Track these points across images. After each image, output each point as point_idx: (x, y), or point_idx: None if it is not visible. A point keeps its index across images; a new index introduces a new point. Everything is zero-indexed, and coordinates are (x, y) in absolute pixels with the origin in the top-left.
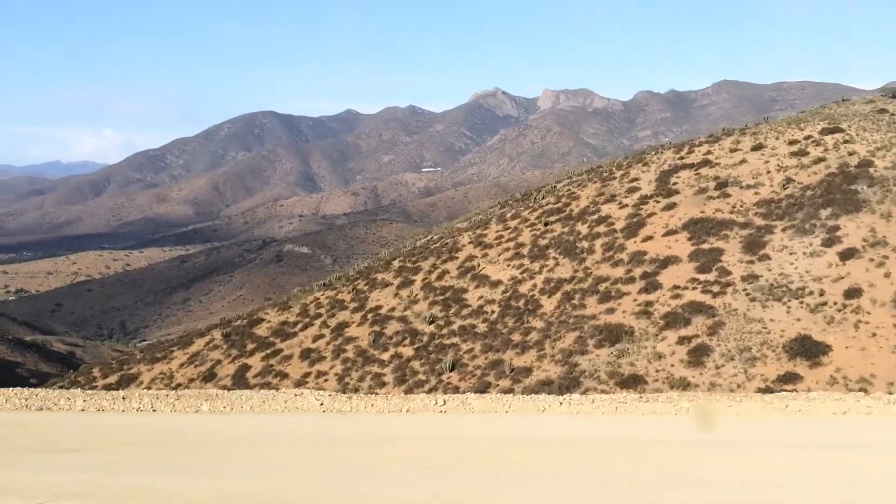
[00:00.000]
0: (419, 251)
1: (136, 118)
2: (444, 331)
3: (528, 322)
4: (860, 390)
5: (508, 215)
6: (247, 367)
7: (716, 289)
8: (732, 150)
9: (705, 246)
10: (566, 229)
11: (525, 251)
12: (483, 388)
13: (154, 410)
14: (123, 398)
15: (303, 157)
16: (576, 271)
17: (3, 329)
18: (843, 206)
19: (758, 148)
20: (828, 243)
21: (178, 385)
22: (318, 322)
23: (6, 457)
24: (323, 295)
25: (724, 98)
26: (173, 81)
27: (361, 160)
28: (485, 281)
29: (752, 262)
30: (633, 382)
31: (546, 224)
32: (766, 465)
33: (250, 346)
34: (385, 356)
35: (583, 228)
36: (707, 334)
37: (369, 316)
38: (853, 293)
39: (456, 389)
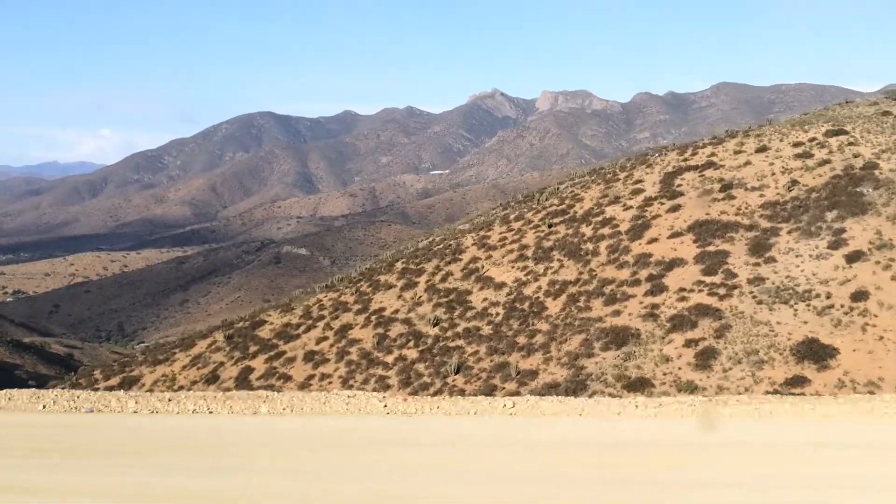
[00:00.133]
0: (422, 253)
1: (133, 119)
2: (449, 333)
3: (533, 324)
4: (868, 393)
5: (512, 217)
6: (250, 370)
7: (722, 291)
8: (737, 152)
9: (711, 248)
10: (570, 231)
11: (529, 253)
12: (489, 391)
13: (210, 412)
14: (171, 399)
15: (301, 158)
16: (581, 273)
17: (1, 331)
18: (849, 209)
19: (762, 150)
20: (834, 246)
21: (181, 387)
22: (321, 324)
23: (75, 459)
24: (325, 297)
25: (722, 100)
26: (171, 82)
27: (359, 161)
28: (489, 283)
29: (758, 264)
30: (640, 385)
31: (550, 226)
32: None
33: (253, 349)
34: (389, 358)
35: (587, 230)
36: (714, 337)
37: (373, 318)
38: (860, 296)
39: (462, 392)
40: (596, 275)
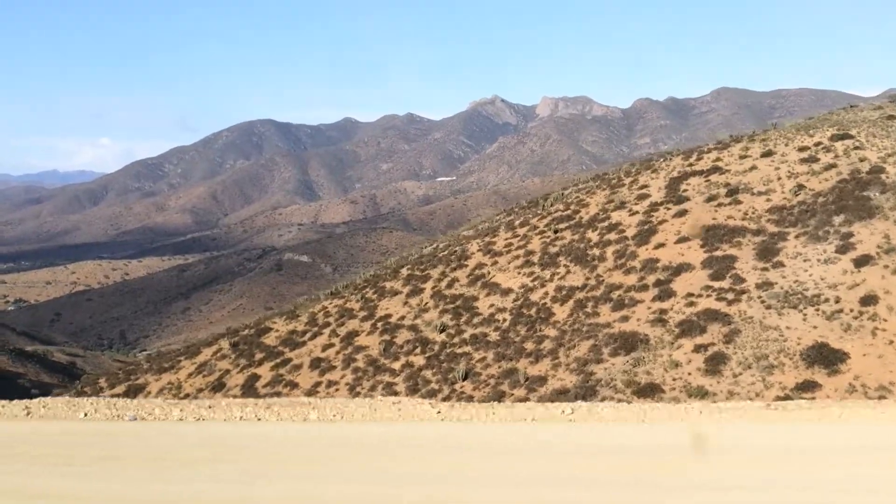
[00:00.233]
0: (427, 259)
1: (133, 127)
2: (456, 339)
3: (540, 330)
4: (879, 398)
5: (517, 223)
6: (256, 377)
7: (730, 296)
8: (742, 157)
9: (718, 253)
10: (576, 237)
11: (535, 259)
12: (497, 398)
13: (259, 419)
14: (216, 407)
15: (301, 166)
16: (588, 279)
17: (3, 339)
18: (856, 213)
19: (767, 154)
20: (842, 250)
21: (187, 395)
22: (326, 331)
23: (130, 466)
24: (331, 303)
25: (723, 105)
26: (171, 90)
27: (360, 168)
28: (495, 289)
29: (766, 269)
30: (650, 391)
31: (556, 231)
32: None
33: (259, 356)
34: (396, 365)
35: (593, 236)
36: (723, 342)
37: (379, 325)
38: (869, 300)
39: (470, 399)
40: (603, 280)
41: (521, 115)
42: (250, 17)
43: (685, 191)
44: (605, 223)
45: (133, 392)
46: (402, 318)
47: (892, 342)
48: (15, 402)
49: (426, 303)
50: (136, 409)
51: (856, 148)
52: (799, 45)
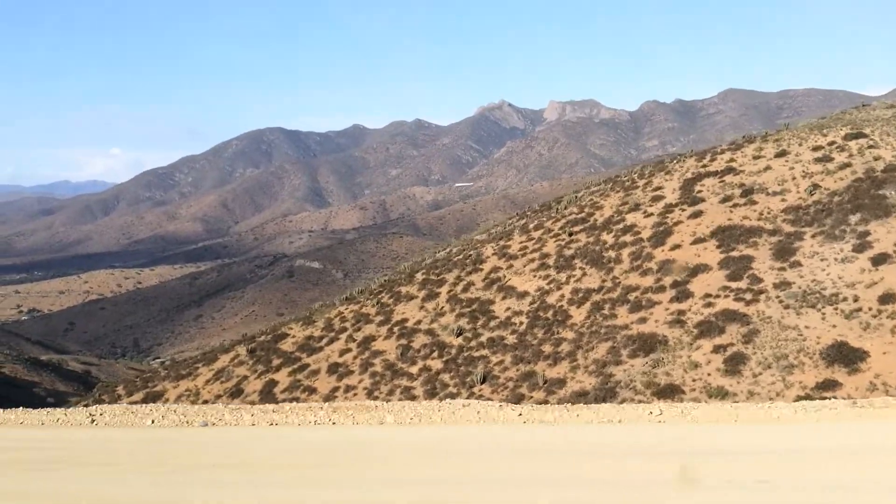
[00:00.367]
0: (442, 263)
1: (143, 137)
2: (473, 343)
3: (557, 333)
4: None
5: (531, 226)
6: (274, 383)
7: (748, 296)
8: (756, 157)
9: (735, 253)
10: (591, 239)
11: (551, 262)
12: (516, 400)
13: (333, 423)
14: (289, 411)
15: (311, 173)
16: (604, 281)
17: (18, 349)
18: (872, 212)
19: (781, 154)
20: (859, 249)
21: (205, 402)
22: (343, 336)
23: (270, 475)
24: (347, 309)
25: (730, 107)
26: (180, 100)
27: (369, 174)
28: (511, 292)
29: (783, 268)
30: (670, 392)
31: (570, 234)
32: None
33: (276, 362)
34: (414, 369)
35: (608, 238)
36: (742, 342)
37: (395, 329)
38: (887, 298)
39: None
40: (619, 282)
41: (528, 120)
42: (258, 28)
43: (700, 192)
44: (620, 225)
45: (151, 399)
46: (419, 322)
47: None
48: (77, 409)
49: (442, 307)
50: (203, 415)
51: (870, 147)
52: (805, 45)
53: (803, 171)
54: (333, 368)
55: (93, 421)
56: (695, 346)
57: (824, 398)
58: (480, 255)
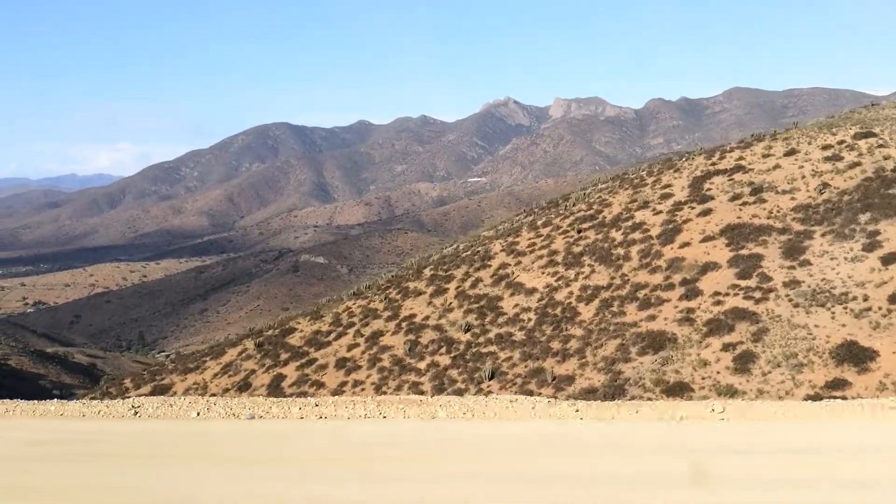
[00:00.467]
0: (450, 259)
1: (149, 131)
2: (481, 339)
3: (566, 330)
4: None
5: (539, 223)
6: (282, 377)
7: (758, 295)
8: (765, 156)
9: (744, 252)
10: (600, 236)
11: (559, 258)
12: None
13: (384, 417)
14: (338, 404)
15: (316, 168)
16: (613, 278)
17: (24, 341)
18: (883, 211)
19: (791, 153)
20: (869, 248)
21: (214, 395)
22: (351, 331)
23: (348, 471)
24: (354, 304)
25: (735, 105)
26: (186, 95)
27: (374, 170)
28: (520, 289)
29: (792, 267)
30: (679, 390)
31: (579, 231)
32: None
33: (284, 356)
34: (422, 365)
35: (617, 235)
36: (752, 341)
37: (403, 324)
38: None
39: None
40: (628, 279)
41: (533, 117)
42: (265, 22)
43: (709, 190)
44: (629, 223)
45: (159, 392)
46: (427, 317)
47: None
48: (119, 401)
49: (450, 303)
50: (249, 407)
51: (880, 146)
52: (811, 44)
53: (813, 170)
54: (341, 363)
55: (136, 413)
56: (704, 343)
57: (834, 397)
58: (488, 252)
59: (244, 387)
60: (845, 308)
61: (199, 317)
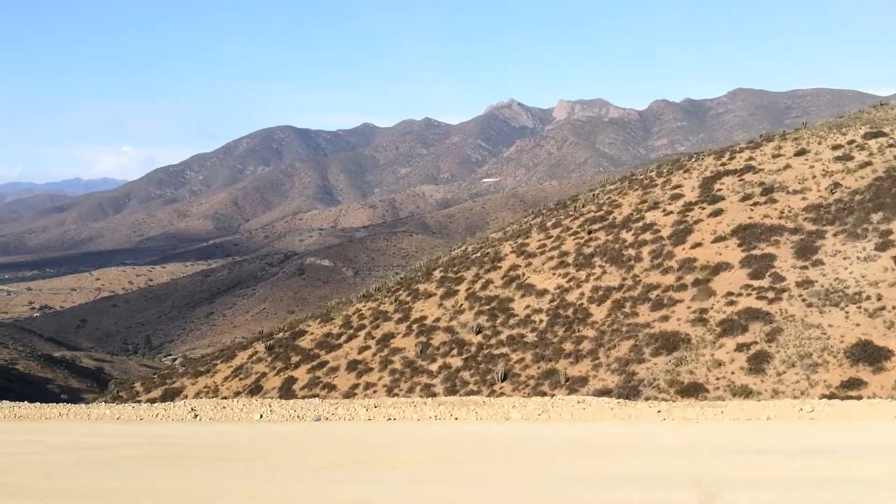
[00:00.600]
0: (459, 261)
1: (154, 135)
2: (493, 340)
3: (578, 331)
4: None
5: (549, 224)
6: (293, 380)
7: (771, 295)
8: (775, 156)
9: (756, 252)
10: (611, 237)
11: (570, 259)
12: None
13: (455, 419)
14: (406, 406)
15: (321, 171)
16: (624, 279)
17: (31, 345)
18: (894, 210)
19: (801, 153)
20: (881, 247)
21: (225, 398)
22: (362, 333)
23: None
24: (364, 306)
25: (739, 106)
26: (191, 98)
27: (379, 173)
28: (531, 290)
29: (805, 267)
30: (693, 391)
31: (589, 232)
32: None
33: (295, 359)
34: (433, 367)
35: (628, 236)
36: (766, 341)
37: (414, 327)
38: None
39: None
40: (640, 280)
41: (537, 119)
42: (269, 27)
43: (719, 190)
44: (640, 223)
45: (170, 396)
46: (438, 319)
47: None
48: (178, 403)
49: (461, 304)
50: (314, 409)
51: (890, 145)
52: (814, 44)
53: (823, 170)
54: (353, 366)
55: (196, 416)
56: (718, 344)
57: (849, 398)
58: (498, 253)
59: (255, 390)
60: (859, 307)
61: (206, 320)
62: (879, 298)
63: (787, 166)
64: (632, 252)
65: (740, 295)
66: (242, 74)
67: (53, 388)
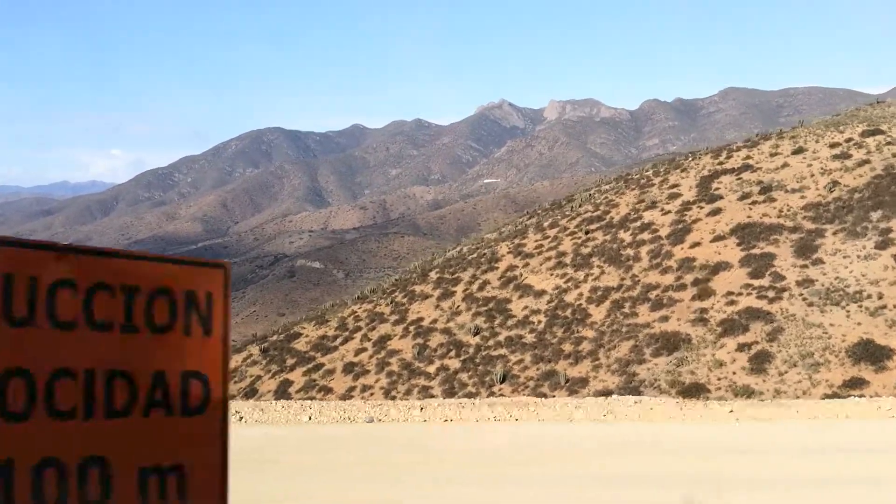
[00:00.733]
0: (455, 262)
1: (143, 137)
2: (491, 342)
3: (577, 331)
4: None
5: (546, 224)
6: (289, 382)
7: (771, 294)
8: (772, 155)
9: (756, 251)
10: (608, 237)
11: (568, 260)
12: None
13: (516, 420)
14: (463, 406)
15: (310, 173)
16: (623, 279)
17: None
18: (894, 209)
19: (798, 151)
20: (881, 246)
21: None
22: (358, 335)
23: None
24: (360, 308)
25: (730, 105)
26: (179, 100)
27: (369, 174)
28: (528, 291)
29: (805, 266)
30: (695, 391)
31: (587, 232)
32: None
33: (290, 361)
34: (431, 369)
35: (626, 236)
36: (767, 340)
37: (411, 328)
38: None
39: None
40: (639, 280)
41: (528, 119)
42: (258, 28)
43: (717, 189)
44: (638, 223)
45: None
46: (435, 321)
47: None
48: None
49: (458, 306)
50: (367, 410)
51: (888, 143)
52: (806, 43)
53: (822, 168)
54: (349, 368)
55: (241, 418)
56: (718, 344)
57: (853, 396)
58: (495, 254)
59: (250, 393)
60: (860, 306)
61: None
62: (880, 297)
63: (785, 165)
64: (630, 252)
65: (740, 294)
66: (232, 77)
67: None
